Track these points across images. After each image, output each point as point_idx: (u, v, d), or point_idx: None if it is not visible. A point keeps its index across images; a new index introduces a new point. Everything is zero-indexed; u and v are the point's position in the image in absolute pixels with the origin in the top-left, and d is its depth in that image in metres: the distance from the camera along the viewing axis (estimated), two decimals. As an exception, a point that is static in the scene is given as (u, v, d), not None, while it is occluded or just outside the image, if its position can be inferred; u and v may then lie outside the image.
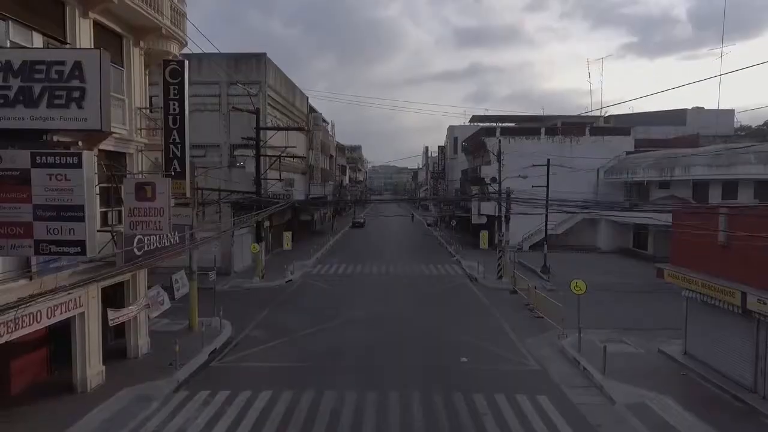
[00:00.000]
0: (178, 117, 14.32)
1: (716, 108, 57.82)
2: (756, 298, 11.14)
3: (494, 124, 61.75)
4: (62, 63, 7.30)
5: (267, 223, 29.30)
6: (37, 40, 10.68)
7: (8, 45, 9.84)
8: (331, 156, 57.88)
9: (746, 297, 11.47)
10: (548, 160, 28.36)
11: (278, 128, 25.65)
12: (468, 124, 61.52)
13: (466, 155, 51.65)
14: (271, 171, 27.02)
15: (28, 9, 10.41)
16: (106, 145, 12.48)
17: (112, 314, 13.13)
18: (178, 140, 14.37)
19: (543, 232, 31.12)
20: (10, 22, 9.88)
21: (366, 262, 33.60)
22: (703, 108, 62.91)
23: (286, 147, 26.54)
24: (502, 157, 29.84)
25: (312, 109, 43.71)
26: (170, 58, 15.18)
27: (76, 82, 7.29)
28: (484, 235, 28.21)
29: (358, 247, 43.23)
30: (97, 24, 12.52)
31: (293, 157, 28.48)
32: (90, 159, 7.48)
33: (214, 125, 27.63)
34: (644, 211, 28.61)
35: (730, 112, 59.49)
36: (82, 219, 7.43)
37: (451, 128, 63.52)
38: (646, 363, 14.48)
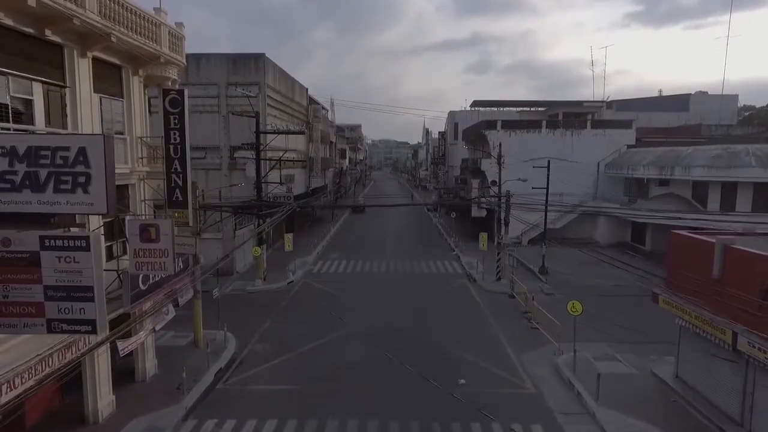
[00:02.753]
0: (179, 146, 14.32)
1: (720, 94, 57.05)
2: (746, 340, 11.45)
3: (495, 109, 61.40)
4: (67, 149, 7.35)
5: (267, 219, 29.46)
6: (37, 88, 10.72)
7: (8, 100, 9.90)
8: (331, 142, 57.57)
9: (737, 337, 11.78)
10: (548, 161, 28.33)
11: (279, 132, 25.53)
12: (469, 109, 60.99)
13: (466, 143, 51.41)
14: (272, 171, 27.07)
15: (26, 58, 10.37)
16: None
17: (121, 345, 13.46)
18: (179, 169, 14.42)
19: (542, 226, 31.26)
20: (9, 77, 9.91)
21: (366, 258, 33.92)
22: (706, 93, 62.28)
23: (286, 151, 26.49)
24: (502, 155, 29.83)
25: (312, 101, 43.29)
26: (169, 84, 15.12)
27: (81, 168, 7.37)
28: (483, 236, 28.44)
29: (358, 238, 43.44)
30: (95, 59, 12.44)
31: (294, 161, 28.44)
32: (97, 241, 7.63)
33: (213, 127, 27.50)
34: (642, 214, 28.78)
35: (734, 98, 58.90)
36: (92, 299, 7.64)
37: (451, 113, 62.94)
38: (638, 386, 14.92)
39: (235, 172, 28.05)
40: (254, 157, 24.93)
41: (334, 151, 60.67)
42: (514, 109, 59.35)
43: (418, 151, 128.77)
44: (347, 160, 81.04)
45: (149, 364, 15.38)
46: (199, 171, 27.10)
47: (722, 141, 38.00)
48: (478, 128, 41.24)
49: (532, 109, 60.01)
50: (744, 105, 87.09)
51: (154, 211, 15.77)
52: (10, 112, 9.75)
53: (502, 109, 60.70)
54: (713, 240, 13.21)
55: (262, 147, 24.88)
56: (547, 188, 28.54)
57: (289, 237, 27.78)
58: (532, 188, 28.30)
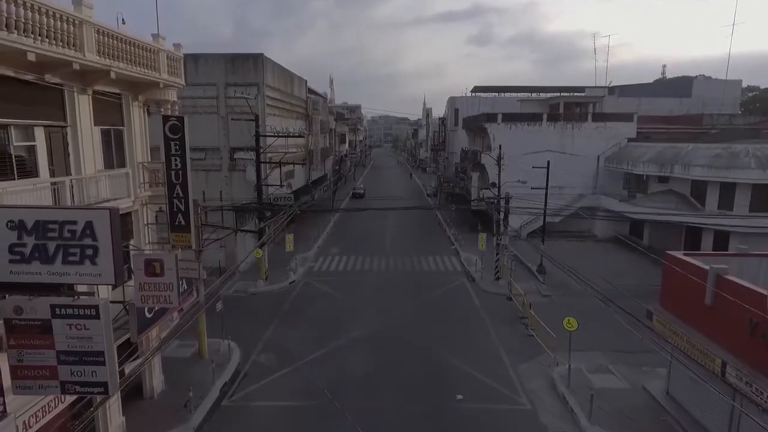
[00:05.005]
0: (180, 172, 14.40)
1: (723, 79, 56.41)
2: (735, 372, 11.83)
3: (495, 95, 60.91)
4: (74, 222, 7.51)
5: (267, 214, 29.59)
6: (39, 132, 10.80)
7: (12, 151, 10.00)
8: (331, 130, 57.22)
9: (726, 367, 12.16)
10: (548, 162, 28.35)
11: (278, 135, 25.47)
12: (469, 95, 60.48)
13: (466, 132, 51.14)
14: (272, 172, 27.10)
15: (27, 103, 10.41)
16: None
17: (128, 368, 13.90)
18: (181, 194, 14.52)
19: (541, 219, 31.39)
20: (12, 127, 9.98)
21: (366, 253, 34.26)
22: (710, 78, 61.66)
23: (286, 153, 26.49)
24: (501, 156, 29.84)
25: (311, 92, 42.89)
26: (169, 108, 15.14)
27: (88, 241, 7.55)
28: (482, 237, 28.69)
29: (358, 227, 43.54)
30: (95, 91, 12.44)
31: (294, 163, 28.45)
32: (106, 309, 7.87)
33: (213, 128, 27.41)
34: (641, 215, 28.97)
35: (737, 83, 58.28)
36: (103, 363, 7.94)
37: (451, 99, 62.40)
38: (629, 403, 15.42)
39: (235, 173, 28.12)
40: (254, 158, 25.00)
41: (333, 137, 60.35)
42: (515, 94, 58.92)
43: (418, 131, 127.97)
44: (347, 144, 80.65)
45: (156, 381, 15.86)
46: (199, 172, 27.18)
47: (723, 135, 37.93)
48: (479, 120, 41.03)
49: (533, 95, 59.61)
50: (748, 85, 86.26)
51: (156, 218, 15.87)
52: (14, 164, 9.88)
53: (502, 94, 60.24)
54: (707, 267, 13.44)
55: (261, 150, 24.91)
56: (546, 188, 28.65)
57: (290, 237, 28.04)
58: (531, 188, 28.43)
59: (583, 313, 20.03)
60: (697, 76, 62.66)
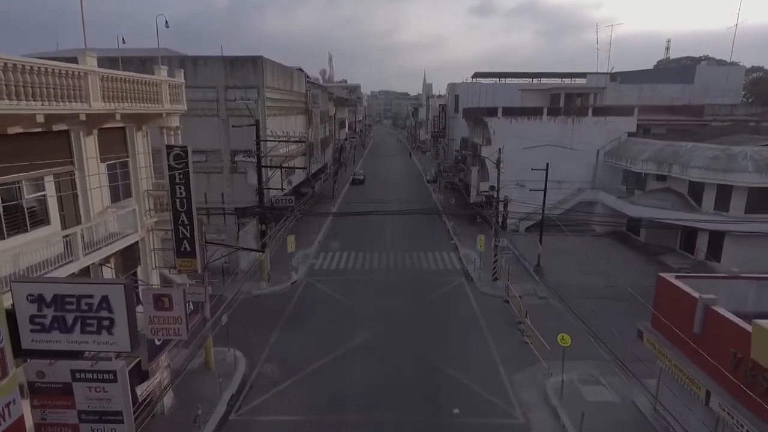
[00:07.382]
0: (185, 200, 14.72)
1: (726, 64, 55.93)
2: (718, 402, 12.43)
3: (496, 80, 60.44)
4: (90, 296, 7.92)
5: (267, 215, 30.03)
6: (48, 179, 11.08)
7: (24, 204, 10.32)
8: (331, 117, 56.95)
9: (710, 396, 12.76)
10: (547, 164, 28.53)
11: (278, 140, 25.62)
12: (470, 81, 59.99)
13: (467, 121, 50.97)
14: (273, 172, 27.28)
15: (35, 153, 10.64)
16: (120, 245, 13.18)
17: (139, 389, 14.53)
18: (186, 222, 14.88)
19: (540, 213, 31.71)
20: (23, 181, 10.26)
21: (367, 249, 34.75)
22: (713, 61, 61.12)
23: (286, 157, 26.65)
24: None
25: (311, 85, 42.62)
26: (172, 135, 15.32)
27: (104, 313, 7.98)
28: (480, 238, 29.14)
29: (359, 220, 43.75)
30: (100, 129, 12.64)
31: (294, 167, 28.66)
32: (124, 373, 8.35)
33: (213, 130, 27.50)
34: (638, 215, 29.28)
35: (740, 69, 57.72)
36: (121, 422, 8.49)
37: (451, 85, 61.89)
38: (619, 418, 16.12)
39: (237, 176, 28.34)
40: (255, 162, 25.20)
41: (333, 124, 60.10)
42: (515, 80, 58.47)
43: (418, 109, 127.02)
44: (347, 128, 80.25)
45: (166, 397, 16.50)
46: (200, 174, 27.41)
47: (724, 129, 37.95)
48: (479, 114, 40.95)
49: (534, 80, 59.20)
50: (752, 66, 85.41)
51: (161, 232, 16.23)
52: (27, 217, 10.20)
53: (503, 80, 59.78)
54: (696, 296, 13.88)
55: (262, 154, 25.08)
56: (545, 189, 28.92)
57: (291, 239, 28.45)
58: (530, 190, 28.73)
59: (579, 314, 20.49)
60: (700, 61, 62.20)
